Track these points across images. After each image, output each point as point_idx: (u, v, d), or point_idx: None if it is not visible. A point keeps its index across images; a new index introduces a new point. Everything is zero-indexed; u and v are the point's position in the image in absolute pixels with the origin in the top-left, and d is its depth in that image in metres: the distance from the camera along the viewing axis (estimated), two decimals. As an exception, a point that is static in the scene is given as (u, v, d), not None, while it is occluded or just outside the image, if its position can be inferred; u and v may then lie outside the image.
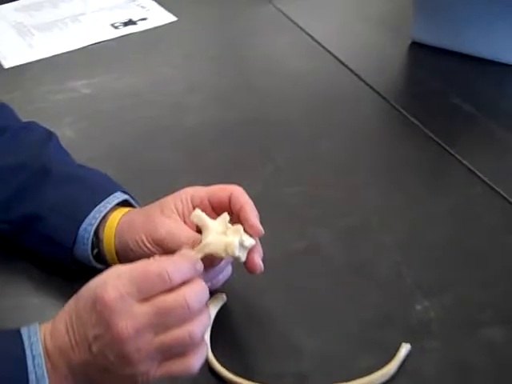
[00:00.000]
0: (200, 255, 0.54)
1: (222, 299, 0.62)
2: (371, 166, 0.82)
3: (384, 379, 0.57)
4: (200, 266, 0.53)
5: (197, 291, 0.51)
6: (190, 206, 0.61)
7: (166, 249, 0.58)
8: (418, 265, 0.69)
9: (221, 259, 0.56)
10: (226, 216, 0.57)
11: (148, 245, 0.60)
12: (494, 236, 0.72)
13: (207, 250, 0.54)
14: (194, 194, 0.62)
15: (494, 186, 0.77)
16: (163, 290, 0.50)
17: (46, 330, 0.52)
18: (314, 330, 0.62)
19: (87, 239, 0.63)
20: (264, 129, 0.88)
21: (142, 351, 0.49)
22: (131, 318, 0.48)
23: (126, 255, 0.62)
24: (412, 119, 0.88)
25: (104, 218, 0.64)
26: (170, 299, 0.50)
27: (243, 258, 0.56)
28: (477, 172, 0.79)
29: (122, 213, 0.64)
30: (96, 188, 0.67)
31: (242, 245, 0.55)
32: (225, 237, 0.55)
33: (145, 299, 0.49)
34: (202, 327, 0.51)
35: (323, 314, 0.64)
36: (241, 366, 0.59)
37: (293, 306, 0.64)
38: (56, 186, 0.66)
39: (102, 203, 0.64)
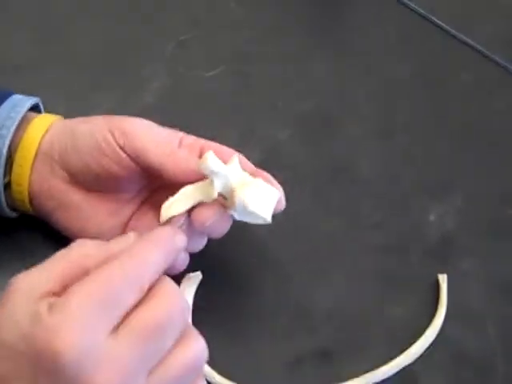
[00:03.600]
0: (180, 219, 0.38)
1: (196, 277, 0.42)
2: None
3: (437, 328, 0.43)
4: (180, 239, 0.36)
5: (175, 290, 0.34)
6: None
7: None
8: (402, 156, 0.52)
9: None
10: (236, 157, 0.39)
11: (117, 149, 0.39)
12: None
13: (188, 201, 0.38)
14: None
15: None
16: (135, 303, 0.32)
17: None
18: (317, 281, 0.45)
19: None
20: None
21: None
22: (109, 363, 0.30)
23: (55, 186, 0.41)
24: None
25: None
26: (152, 314, 0.32)
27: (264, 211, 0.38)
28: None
29: (49, 121, 0.43)
30: None
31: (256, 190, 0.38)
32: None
33: (115, 327, 0.31)
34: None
35: (322, 257, 0.47)
36: (239, 360, 0.41)
37: (283, 255, 0.46)
38: None
39: (6, 107, 0.42)
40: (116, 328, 0.31)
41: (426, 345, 0.42)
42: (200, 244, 0.41)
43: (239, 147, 0.41)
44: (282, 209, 0.40)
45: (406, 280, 0.45)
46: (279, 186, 0.40)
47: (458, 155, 0.53)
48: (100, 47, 0.56)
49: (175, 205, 0.38)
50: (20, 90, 0.44)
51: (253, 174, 0.39)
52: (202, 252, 0.41)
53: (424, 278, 0.45)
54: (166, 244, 0.35)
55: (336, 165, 0.51)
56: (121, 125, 0.40)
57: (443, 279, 0.44)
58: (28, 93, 0.44)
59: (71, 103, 0.51)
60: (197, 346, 0.33)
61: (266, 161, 0.50)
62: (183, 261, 0.39)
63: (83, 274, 0.31)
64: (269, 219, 0.38)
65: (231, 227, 0.39)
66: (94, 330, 0.30)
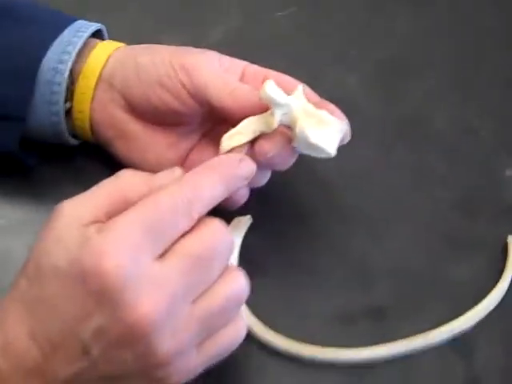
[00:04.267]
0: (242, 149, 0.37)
1: (246, 221, 0.40)
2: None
3: (501, 293, 0.40)
4: (246, 166, 0.35)
5: (222, 225, 0.33)
6: None
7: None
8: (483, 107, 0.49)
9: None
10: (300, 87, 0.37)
11: (173, 74, 0.39)
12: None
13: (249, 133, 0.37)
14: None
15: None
16: (183, 232, 0.31)
17: None
18: (378, 237, 0.43)
19: (58, 83, 0.40)
20: None
21: (179, 335, 0.30)
22: (155, 286, 0.30)
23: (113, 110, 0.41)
24: None
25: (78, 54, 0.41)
26: (200, 243, 0.31)
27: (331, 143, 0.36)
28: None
29: (112, 47, 0.42)
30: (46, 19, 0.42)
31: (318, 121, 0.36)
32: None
33: (162, 253, 0.31)
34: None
35: (386, 212, 0.44)
36: (288, 312, 0.40)
37: (339, 207, 0.44)
38: None
39: (69, 32, 0.41)
40: (163, 254, 0.30)
41: (486, 311, 0.39)
42: (262, 178, 0.39)
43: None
44: (346, 141, 0.38)
45: (473, 240, 0.43)
46: (345, 118, 0.38)
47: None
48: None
49: (236, 136, 0.37)
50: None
51: (318, 106, 0.37)
52: (258, 192, 0.39)
53: (494, 239, 0.42)
54: (226, 170, 0.34)
55: (408, 116, 0.48)
56: (184, 60, 0.39)
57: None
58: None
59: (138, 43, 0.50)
60: (239, 281, 0.33)
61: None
62: (242, 194, 0.38)
63: (126, 203, 0.31)
64: (332, 152, 0.36)
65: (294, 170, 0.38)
66: (141, 252, 0.30)
